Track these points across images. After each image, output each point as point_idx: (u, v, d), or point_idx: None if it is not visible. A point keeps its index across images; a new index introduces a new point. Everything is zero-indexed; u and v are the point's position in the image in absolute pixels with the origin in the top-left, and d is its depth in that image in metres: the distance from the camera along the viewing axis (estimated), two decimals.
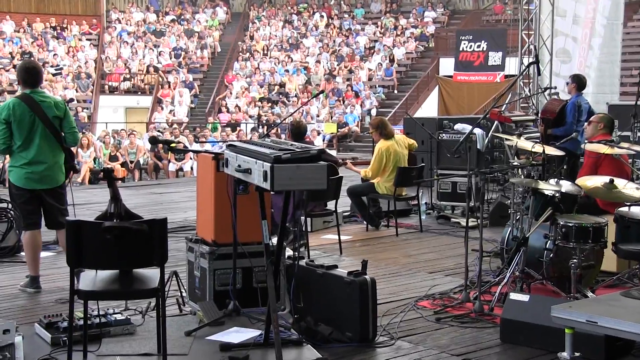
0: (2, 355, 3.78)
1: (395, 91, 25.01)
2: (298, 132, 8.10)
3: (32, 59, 23.13)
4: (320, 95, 23.62)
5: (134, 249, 4.09)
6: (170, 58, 27.63)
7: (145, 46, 27.97)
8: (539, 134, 8.71)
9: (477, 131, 8.62)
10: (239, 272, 5.11)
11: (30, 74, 5.96)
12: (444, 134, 9.65)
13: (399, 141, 8.78)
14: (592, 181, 5.98)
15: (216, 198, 5.09)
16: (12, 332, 4.03)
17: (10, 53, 26.34)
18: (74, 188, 6.60)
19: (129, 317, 4.92)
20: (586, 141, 6.91)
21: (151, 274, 4.28)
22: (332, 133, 21.99)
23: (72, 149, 6.29)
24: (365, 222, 8.90)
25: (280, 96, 24.90)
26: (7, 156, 14.63)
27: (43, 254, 6.96)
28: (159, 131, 20.35)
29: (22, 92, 5.99)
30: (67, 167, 6.11)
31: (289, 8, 31.45)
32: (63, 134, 5.99)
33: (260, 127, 22.27)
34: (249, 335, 4.65)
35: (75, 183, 15.51)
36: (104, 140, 17.84)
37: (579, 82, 8.98)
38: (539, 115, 8.94)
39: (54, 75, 25.30)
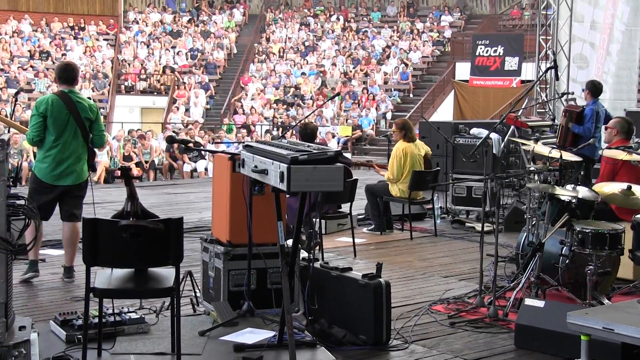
0: (17, 352, 3.80)
1: (411, 95, 24.97)
2: (305, 133, 8.00)
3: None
4: (336, 98, 23.62)
5: (149, 248, 4.09)
6: (187, 59, 27.72)
7: (162, 47, 28.08)
8: (558, 126, 8.79)
9: (494, 136, 8.59)
10: (253, 273, 5.11)
11: (67, 72, 6.20)
12: (459, 138, 9.62)
13: (418, 145, 8.74)
14: (610, 187, 5.94)
15: (232, 198, 5.09)
16: (28, 329, 4.04)
17: (29, 52, 26.52)
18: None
19: (143, 316, 4.94)
20: (604, 148, 6.87)
21: (166, 273, 4.29)
22: (346, 136, 21.98)
23: (96, 149, 6.46)
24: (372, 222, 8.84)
25: (296, 98, 24.91)
26: (25, 155, 14.52)
27: (57, 252, 7.01)
28: (174, 132, 20.40)
29: (59, 89, 6.22)
30: (88, 165, 6.30)
31: (306, 11, 31.48)
32: (91, 136, 6.21)
33: (275, 129, 22.28)
34: (263, 336, 4.65)
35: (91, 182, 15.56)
36: (120, 140, 17.89)
37: (592, 89, 9.00)
38: (564, 108, 9.00)
39: None
